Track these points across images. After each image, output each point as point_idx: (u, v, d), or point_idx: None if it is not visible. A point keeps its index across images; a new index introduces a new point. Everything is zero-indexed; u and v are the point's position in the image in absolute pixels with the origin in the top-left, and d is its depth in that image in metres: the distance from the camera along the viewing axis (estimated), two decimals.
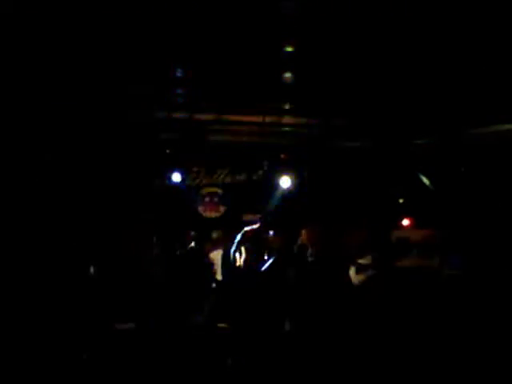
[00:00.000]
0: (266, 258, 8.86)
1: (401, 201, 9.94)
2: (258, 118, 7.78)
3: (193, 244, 9.65)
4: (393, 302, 7.45)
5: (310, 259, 8.93)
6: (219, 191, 10.30)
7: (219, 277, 9.40)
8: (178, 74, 6.13)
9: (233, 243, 7.96)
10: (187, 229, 9.84)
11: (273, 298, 7.46)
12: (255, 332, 6.82)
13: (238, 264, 7.91)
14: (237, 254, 8.05)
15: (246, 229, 8.37)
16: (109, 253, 8.82)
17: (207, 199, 10.30)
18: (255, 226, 8.51)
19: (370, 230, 8.91)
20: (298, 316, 7.30)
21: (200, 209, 10.29)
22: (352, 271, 8.68)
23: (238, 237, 8.07)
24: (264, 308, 7.22)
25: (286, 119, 7.99)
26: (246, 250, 8.17)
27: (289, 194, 9.87)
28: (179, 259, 8.96)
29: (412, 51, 4.85)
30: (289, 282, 8.04)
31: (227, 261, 7.94)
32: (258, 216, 9.39)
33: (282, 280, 7.99)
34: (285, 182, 9.65)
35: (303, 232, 9.37)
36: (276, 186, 9.80)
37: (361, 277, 8.55)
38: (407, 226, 9.84)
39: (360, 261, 8.68)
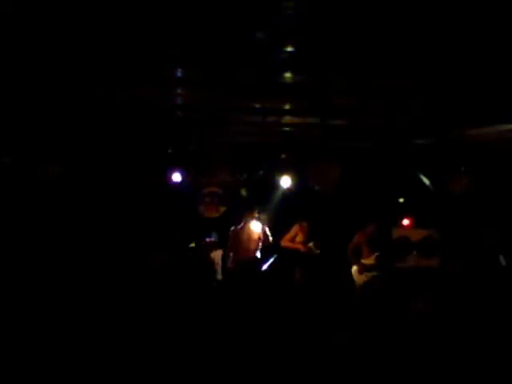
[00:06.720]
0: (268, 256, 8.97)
1: (401, 201, 9.95)
2: (258, 118, 7.78)
3: (193, 244, 9.66)
4: (394, 302, 7.46)
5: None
6: (219, 191, 10.29)
7: (219, 277, 9.40)
8: (178, 73, 6.13)
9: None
10: (187, 229, 9.85)
11: (275, 297, 7.48)
12: (256, 331, 6.83)
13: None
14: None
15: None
16: (109, 253, 8.83)
17: (207, 199, 10.29)
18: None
19: (370, 229, 8.91)
20: (300, 315, 7.32)
21: (200, 209, 10.28)
22: (354, 270, 8.68)
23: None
24: (266, 306, 7.25)
25: (286, 119, 7.98)
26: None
27: (289, 194, 9.88)
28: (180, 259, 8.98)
29: (412, 50, 4.84)
30: (294, 281, 8.06)
31: None
32: (258, 215, 9.40)
33: (285, 279, 8.03)
34: (285, 181, 9.65)
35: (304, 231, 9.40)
36: (276, 185, 9.81)
37: (364, 277, 8.56)
38: (407, 226, 9.85)
39: (363, 261, 8.69)
